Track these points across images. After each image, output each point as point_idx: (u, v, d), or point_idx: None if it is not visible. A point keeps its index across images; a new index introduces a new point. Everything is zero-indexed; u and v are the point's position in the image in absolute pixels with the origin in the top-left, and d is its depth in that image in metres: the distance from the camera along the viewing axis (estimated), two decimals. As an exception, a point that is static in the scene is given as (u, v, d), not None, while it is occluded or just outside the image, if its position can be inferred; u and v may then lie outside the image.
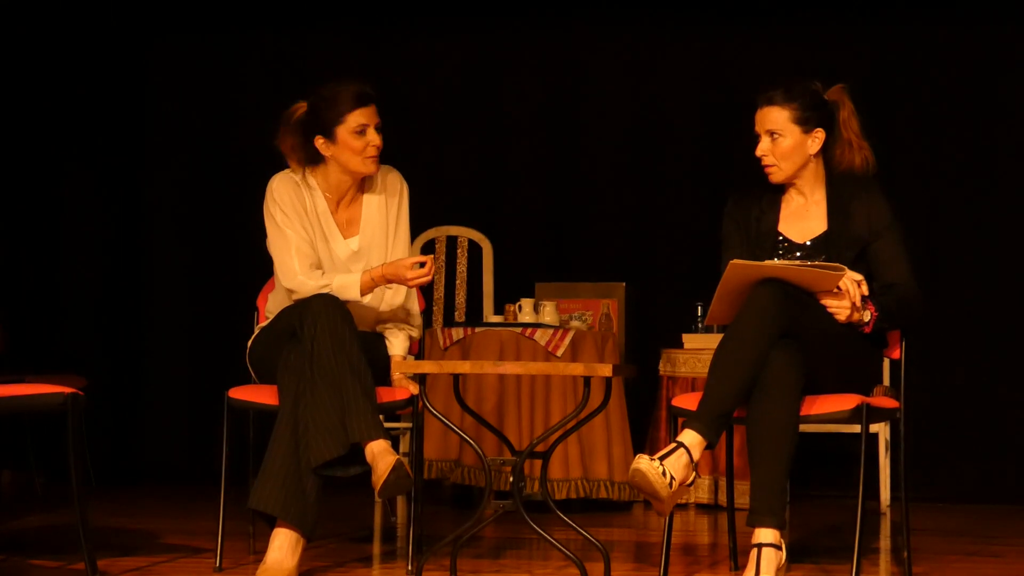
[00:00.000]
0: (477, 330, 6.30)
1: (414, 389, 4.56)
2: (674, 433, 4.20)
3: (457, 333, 6.32)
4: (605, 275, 6.98)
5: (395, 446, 5.66)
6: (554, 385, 6.21)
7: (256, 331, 4.74)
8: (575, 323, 6.45)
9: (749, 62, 7.20)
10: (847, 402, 4.20)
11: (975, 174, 7.08)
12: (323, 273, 4.57)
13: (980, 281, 7.04)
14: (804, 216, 4.48)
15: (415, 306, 4.78)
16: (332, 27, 7.66)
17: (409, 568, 4.46)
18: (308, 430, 4.23)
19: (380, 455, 4.17)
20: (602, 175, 7.45)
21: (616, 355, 6.41)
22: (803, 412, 4.16)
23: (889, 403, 4.40)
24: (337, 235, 4.66)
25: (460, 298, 6.99)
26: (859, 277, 4.27)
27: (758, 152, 4.44)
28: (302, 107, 4.64)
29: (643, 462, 3.98)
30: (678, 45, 7.40)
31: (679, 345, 6.64)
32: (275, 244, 4.61)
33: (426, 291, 6.31)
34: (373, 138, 4.56)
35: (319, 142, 4.59)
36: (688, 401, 4.28)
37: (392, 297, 4.70)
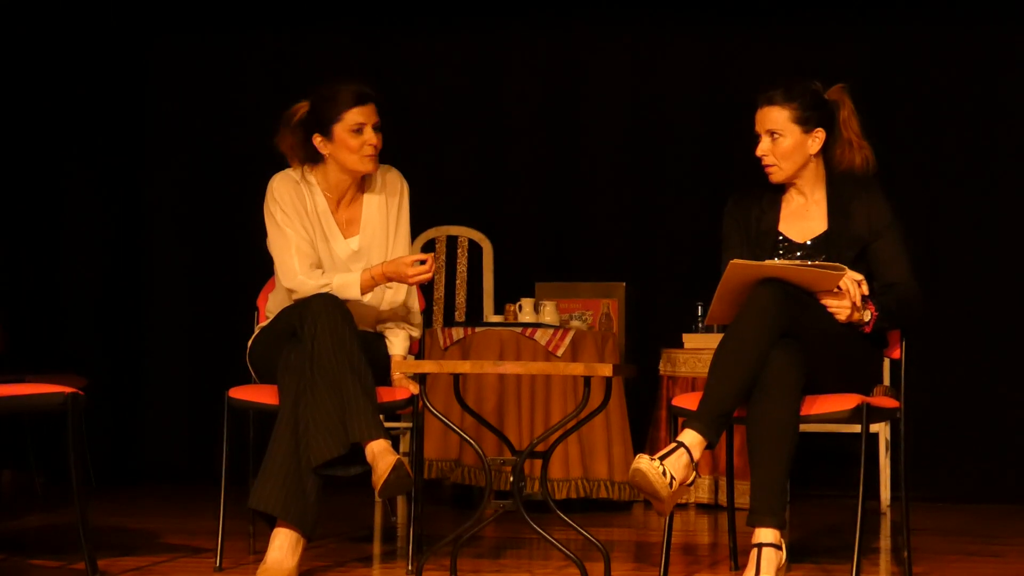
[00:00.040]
0: (477, 330, 6.30)
1: (414, 389, 4.56)
2: (674, 433, 4.20)
3: (457, 333, 6.32)
4: (605, 275, 6.98)
5: (395, 446, 5.67)
6: (554, 385, 6.21)
7: (256, 331, 4.74)
8: (575, 323, 6.45)
9: (749, 62, 7.20)
10: (847, 402, 4.20)
11: (975, 174, 7.08)
12: (323, 272, 4.57)
13: (980, 281, 7.04)
14: (804, 216, 4.48)
15: (415, 303, 4.78)
16: (332, 27, 7.66)
17: (409, 568, 4.46)
18: (308, 430, 4.23)
19: (380, 455, 4.17)
20: (602, 175, 7.45)
21: (616, 355, 6.41)
22: (803, 412, 4.16)
23: (889, 403, 4.40)
24: (337, 234, 4.66)
25: (460, 298, 6.99)
26: (859, 277, 4.27)
27: (758, 152, 4.44)
28: (304, 107, 4.64)
29: (643, 462, 3.98)
30: (678, 45, 7.40)
31: (679, 345, 6.65)
32: (275, 244, 4.61)
33: (426, 291, 6.31)
34: (370, 137, 4.56)
35: (317, 140, 4.60)
36: (688, 401, 4.28)
37: (392, 296, 4.70)
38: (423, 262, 4.49)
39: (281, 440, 4.27)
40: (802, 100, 4.39)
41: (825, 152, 4.47)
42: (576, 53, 7.52)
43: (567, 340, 6.21)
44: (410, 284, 4.58)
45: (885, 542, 5.48)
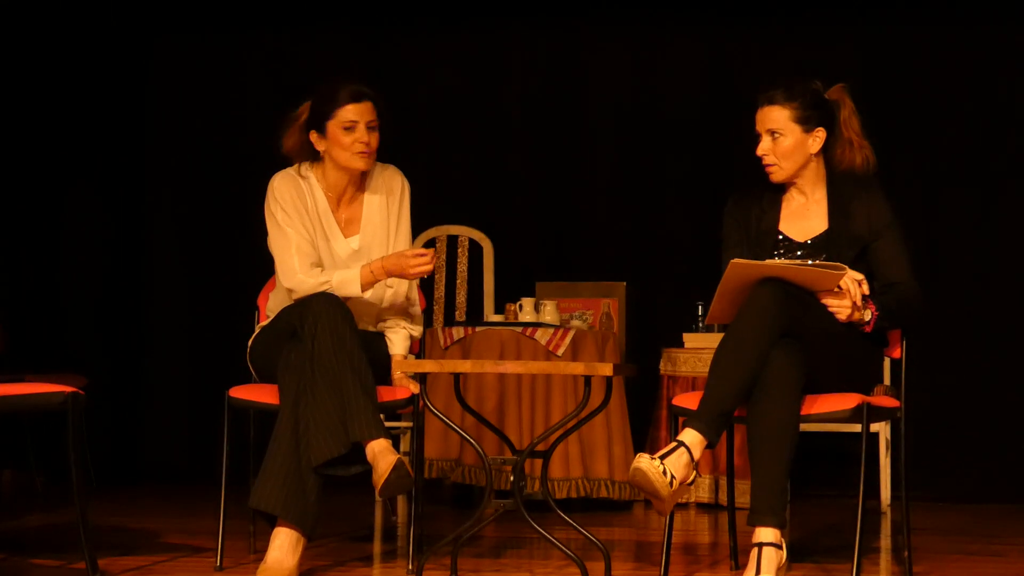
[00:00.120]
0: (478, 329, 6.30)
1: (415, 388, 4.56)
2: (675, 432, 4.20)
3: (458, 332, 6.32)
4: (606, 274, 6.98)
5: (396, 445, 5.67)
6: (555, 384, 6.21)
7: (256, 330, 4.74)
8: (576, 322, 6.45)
9: (749, 62, 7.21)
10: (848, 401, 4.21)
11: (975, 174, 7.08)
12: (323, 271, 4.57)
13: (980, 281, 7.04)
14: (805, 215, 4.48)
15: (415, 293, 4.77)
16: (332, 27, 7.66)
17: (410, 567, 4.46)
18: (309, 429, 4.23)
19: (381, 454, 4.17)
20: (602, 175, 7.45)
21: (617, 354, 6.41)
22: (804, 411, 4.16)
23: (890, 402, 4.40)
24: (338, 234, 4.66)
25: (461, 297, 6.99)
26: (860, 276, 4.27)
27: (759, 151, 4.44)
28: (308, 106, 4.66)
29: (644, 461, 3.98)
30: (678, 45, 7.40)
31: (680, 344, 6.65)
32: (276, 243, 4.61)
33: (426, 291, 6.31)
34: (361, 135, 4.56)
35: (313, 136, 4.62)
36: (689, 400, 4.28)
37: (393, 296, 4.70)
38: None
39: (281, 439, 4.27)
40: (803, 100, 4.39)
41: (825, 152, 4.48)
42: (576, 53, 7.52)
43: (567, 340, 6.22)
44: (411, 277, 4.58)
45: (885, 542, 5.48)
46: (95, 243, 7.74)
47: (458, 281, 7.00)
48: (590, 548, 4.43)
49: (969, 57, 7.09)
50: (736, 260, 4.18)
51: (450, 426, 4.43)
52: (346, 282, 4.52)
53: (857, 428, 4.22)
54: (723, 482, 6.37)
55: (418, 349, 4.87)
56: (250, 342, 4.69)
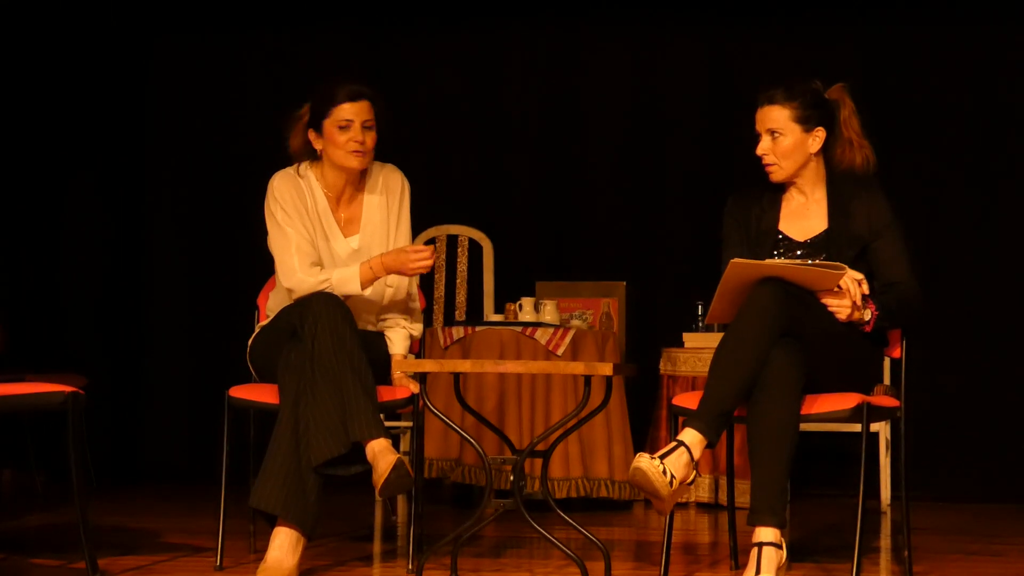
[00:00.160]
0: (478, 329, 6.30)
1: (415, 388, 4.56)
2: (675, 432, 4.20)
3: (457, 332, 6.32)
4: (606, 274, 6.98)
5: (396, 445, 5.67)
6: (555, 384, 6.21)
7: (257, 330, 4.74)
8: (576, 322, 6.45)
9: (749, 62, 7.21)
10: (848, 401, 4.21)
11: (975, 174, 7.08)
12: (322, 270, 4.57)
13: (980, 281, 7.04)
14: (804, 215, 4.48)
15: (415, 288, 4.77)
16: (332, 27, 7.66)
17: (410, 567, 4.46)
18: (309, 429, 4.23)
19: (381, 454, 4.17)
20: (602, 174, 7.45)
21: (616, 354, 6.41)
22: (804, 411, 4.16)
23: (890, 402, 4.40)
24: (337, 233, 4.66)
25: (460, 297, 6.99)
26: (860, 276, 4.27)
27: (759, 151, 4.44)
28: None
29: (644, 461, 3.98)
30: (678, 45, 7.40)
31: (680, 344, 6.65)
32: (276, 243, 4.61)
33: (427, 290, 6.31)
34: (356, 134, 4.57)
35: (311, 135, 4.63)
36: (689, 400, 4.28)
37: (394, 295, 4.70)
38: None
39: (281, 439, 4.27)
40: (803, 99, 4.39)
41: (825, 151, 4.48)
42: (576, 53, 7.52)
43: (567, 339, 6.21)
44: (410, 274, 4.58)
45: (885, 541, 5.48)
46: (95, 243, 7.74)
47: (458, 281, 7.00)
48: (590, 548, 4.43)
49: (969, 57, 7.09)
50: (736, 260, 4.18)
51: (450, 426, 4.43)
52: (346, 280, 4.52)
53: (857, 428, 4.21)
54: (723, 482, 6.38)
55: (418, 349, 4.87)
56: (250, 342, 4.69)
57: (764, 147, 4.43)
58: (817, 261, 4.28)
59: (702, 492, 6.53)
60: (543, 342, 6.21)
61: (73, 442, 4.13)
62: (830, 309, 4.24)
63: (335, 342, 4.25)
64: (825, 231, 4.44)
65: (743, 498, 5.58)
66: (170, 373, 7.73)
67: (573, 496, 6.19)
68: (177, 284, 7.76)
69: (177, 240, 7.77)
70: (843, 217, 4.42)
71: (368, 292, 4.57)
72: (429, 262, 4.51)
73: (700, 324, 6.64)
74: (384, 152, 4.71)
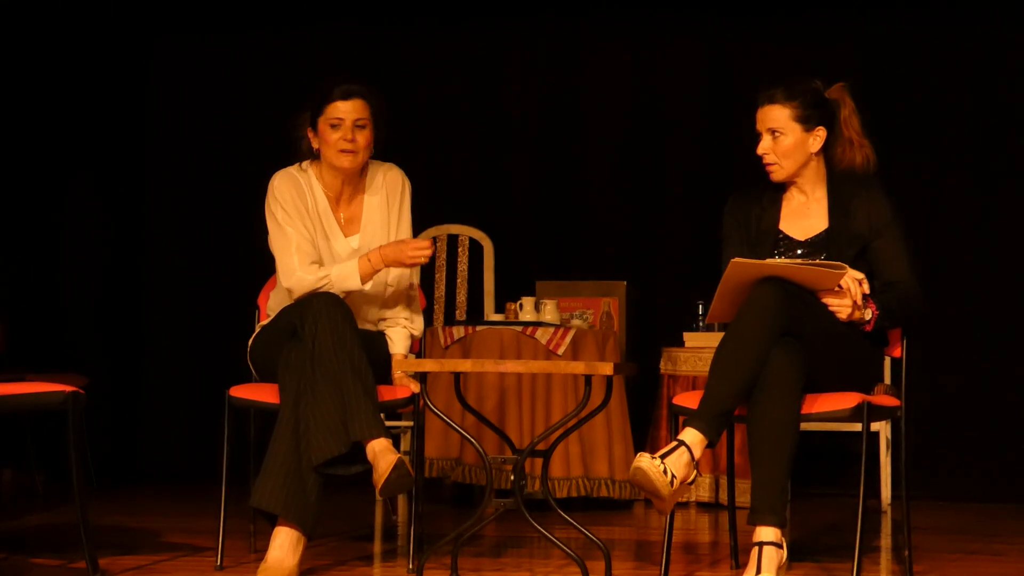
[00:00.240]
0: (478, 328, 6.30)
1: (415, 387, 4.56)
2: (675, 431, 4.20)
3: (458, 331, 6.32)
4: (606, 273, 6.98)
5: (396, 445, 5.66)
6: (555, 384, 6.21)
7: (257, 329, 4.74)
8: (576, 321, 6.45)
9: (750, 62, 7.21)
10: (848, 400, 4.21)
11: (975, 174, 7.08)
12: (321, 267, 4.56)
13: (980, 281, 7.04)
14: (805, 214, 4.48)
15: (416, 279, 4.77)
16: (332, 27, 7.66)
17: (410, 567, 4.46)
18: (309, 428, 4.23)
19: (381, 453, 4.17)
20: (602, 174, 7.45)
21: (617, 354, 6.41)
22: (804, 411, 4.16)
23: (890, 401, 4.40)
24: (338, 233, 4.66)
25: (461, 296, 6.99)
26: (860, 275, 4.27)
27: (759, 150, 4.44)
28: (311, 106, 4.69)
29: (644, 460, 3.98)
30: (678, 45, 7.40)
31: (680, 343, 6.65)
32: (276, 242, 4.61)
33: (427, 290, 6.31)
34: (346, 132, 4.56)
35: (309, 134, 4.64)
36: (689, 399, 4.28)
37: (395, 291, 4.70)
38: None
39: (282, 439, 4.27)
40: (803, 99, 4.39)
41: (826, 151, 4.48)
42: (576, 53, 7.52)
43: (568, 339, 6.22)
44: (408, 265, 4.57)
45: (886, 541, 5.48)
46: (95, 243, 7.74)
47: (458, 280, 7.00)
48: (590, 547, 4.43)
49: (969, 57, 7.09)
50: (736, 259, 4.18)
51: (451, 425, 4.43)
52: (345, 276, 4.52)
53: (857, 427, 4.21)
54: (723, 481, 6.38)
55: (418, 348, 4.87)
56: (250, 341, 4.69)
57: (764, 146, 4.43)
58: (817, 260, 4.28)
59: (703, 491, 6.53)
60: (543, 342, 6.21)
61: (73, 442, 4.13)
62: (831, 309, 4.24)
63: (335, 342, 4.25)
64: (825, 230, 4.44)
65: (743, 497, 5.59)
66: (170, 373, 7.73)
67: (573, 496, 6.19)
68: (177, 284, 7.76)
69: (177, 240, 7.77)
70: (843, 216, 4.42)
71: (368, 287, 4.57)
72: (428, 252, 4.51)
73: (700, 323, 6.64)
74: (384, 152, 4.71)
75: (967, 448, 6.99)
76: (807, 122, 4.40)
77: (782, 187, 4.52)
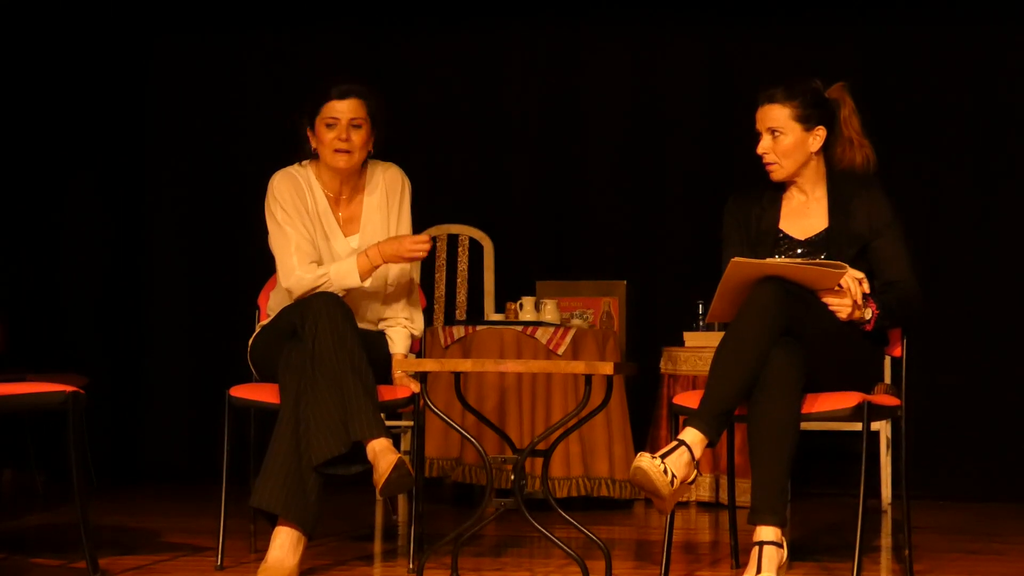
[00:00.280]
0: (478, 328, 6.30)
1: (415, 387, 4.56)
2: (675, 431, 4.20)
3: (458, 331, 6.32)
4: (606, 273, 6.98)
5: (396, 444, 5.66)
6: (555, 383, 6.21)
7: (257, 329, 4.74)
8: (576, 321, 6.45)
9: (750, 61, 7.21)
10: (848, 400, 4.21)
11: (975, 174, 7.08)
12: (319, 266, 4.56)
13: (980, 281, 7.04)
14: (805, 213, 4.49)
15: (417, 275, 4.77)
16: (332, 27, 7.66)
17: (410, 566, 4.46)
18: (309, 428, 4.23)
19: (381, 453, 4.17)
20: (602, 173, 7.45)
21: (617, 353, 6.41)
22: (804, 410, 4.16)
23: (890, 401, 4.40)
24: (338, 232, 4.66)
25: (461, 296, 6.99)
26: (860, 275, 4.27)
27: (759, 150, 4.44)
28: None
29: (644, 460, 3.98)
30: (678, 45, 7.40)
31: (680, 343, 6.65)
32: (276, 242, 4.61)
33: (427, 289, 6.31)
34: (340, 132, 4.56)
35: (308, 133, 4.63)
36: (689, 399, 4.28)
37: (395, 294, 4.70)
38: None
39: (282, 439, 4.27)
40: (803, 98, 4.39)
41: (826, 150, 4.48)
42: (576, 53, 7.52)
43: (568, 338, 6.22)
44: (407, 260, 4.57)
45: (886, 540, 5.48)
46: (95, 243, 7.74)
47: (458, 280, 7.00)
48: (591, 547, 4.43)
49: (969, 57, 7.09)
50: (737, 259, 4.18)
51: (451, 425, 4.42)
52: (344, 273, 4.52)
53: (858, 427, 4.21)
54: (724, 481, 6.37)
55: (418, 348, 4.87)
56: (251, 341, 4.69)
57: (764, 146, 4.43)
58: (817, 260, 4.28)
59: (703, 491, 6.53)
60: (544, 341, 6.21)
61: (73, 442, 4.13)
62: (831, 308, 4.24)
63: (336, 341, 4.25)
64: (825, 230, 4.44)
65: (744, 497, 5.59)
66: (170, 373, 7.73)
67: (574, 495, 6.19)
68: (177, 284, 7.76)
69: (177, 240, 7.77)
70: (843, 216, 4.42)
71: (368, 284, 4.56)
72: (426, 246, 4.50)
73: (700, 323, 6.64)
74: (384, 152, 4.70)
75: (967, 448, 6.99)
76: (807, 122, 4.40)
77: (782, 187, 4.52)
